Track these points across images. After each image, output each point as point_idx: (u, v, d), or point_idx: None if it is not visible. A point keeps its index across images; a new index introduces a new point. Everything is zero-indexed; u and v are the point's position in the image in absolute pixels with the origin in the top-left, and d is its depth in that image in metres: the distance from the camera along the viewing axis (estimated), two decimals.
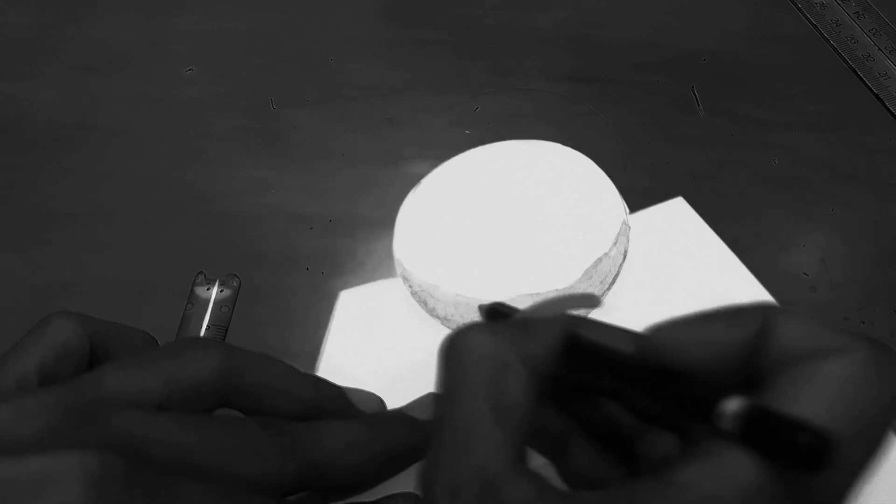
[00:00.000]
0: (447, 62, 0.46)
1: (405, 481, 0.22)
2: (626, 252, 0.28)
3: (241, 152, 0.42)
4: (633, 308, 0.26)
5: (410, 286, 0.28)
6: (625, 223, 0.28)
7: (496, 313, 0.21)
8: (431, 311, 0.27)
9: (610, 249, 0.27)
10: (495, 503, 0.15)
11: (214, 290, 0.36)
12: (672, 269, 0.27)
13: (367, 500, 0.20)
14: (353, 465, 0.19)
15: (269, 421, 0.18)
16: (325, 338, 0.28)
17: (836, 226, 0.37)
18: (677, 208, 0.30)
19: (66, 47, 0.48)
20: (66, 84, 0.46)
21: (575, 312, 0.19)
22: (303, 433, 0.18)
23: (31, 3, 0.51)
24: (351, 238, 0.38)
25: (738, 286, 0.26)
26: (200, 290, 0.36)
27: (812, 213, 0.38)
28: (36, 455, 0.13)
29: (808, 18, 0.46)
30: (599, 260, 0.26)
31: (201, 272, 0.37)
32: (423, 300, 0.27)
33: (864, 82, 0.43)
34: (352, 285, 0.31)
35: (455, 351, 0.17)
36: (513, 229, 0.28)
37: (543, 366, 0.17)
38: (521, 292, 0.26)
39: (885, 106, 0.42)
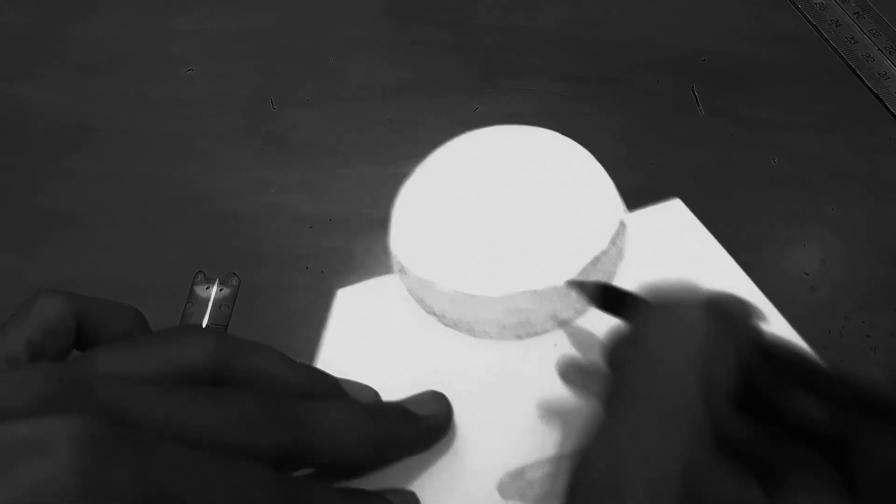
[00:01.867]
0: (447, 62, 0.46)
1: (402, 477, 0.22)
2: (622, 251, 0.28)
3: (241, 152, 0.42)
4: None
5: (407, 283, 0.28)
6: (622, 222, 0.28)
7: (609, 297, 0.21)
8: (428, 309, 0.27)
9: (608, 247, 0.27)
10: (702, 501, 0.14)
11: (214, 290, 0.36)
12: (668, 269, 0.27)
13: (366, 488, 0.20)
14: (344, 445, 0.19)
15: (262, 393, 0.18)
16: (323, 335, 0.28)
17: (836, 226, 0.37)
18: (674, 209, 0.29)
19: (66, 47, 0.48)
20: (66, 84, 0.46)
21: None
22: (296, 406, 0.18)
23: (31, 3, 0.51)
24: (351, 238, 0.38)
25: (733, 287, 0.26)
26: (200, 290, 0.36)
27: (812, 213, 0.38)
28: (24, 421, 0.14)
29: (808, 18, 0.46)
30: (597, 258, 0.26)
31: (201, 271, 0.37)
32: (420, 297, 0.27)
33: (864, 82, 0.43)
34: (350, 283, 0.31)
35: (670, 325, 0.16)
36: (509, 224, 0.27)
37: (746, 359, 0.16)
38: (519, 289, 0.25)
39: (885, 106, 0.42)
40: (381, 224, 0.36)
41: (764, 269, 0.35)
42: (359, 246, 0.37)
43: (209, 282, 0.36)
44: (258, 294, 0.36)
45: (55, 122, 0.44)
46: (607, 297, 0.21)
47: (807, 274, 0.36)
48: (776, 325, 0.25)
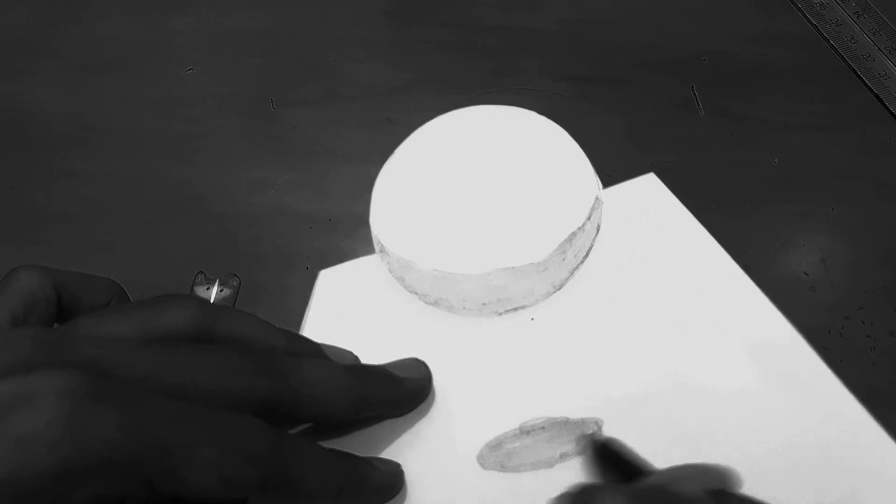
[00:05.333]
0: (447, 62, 0.46)
1: (385, 450, 0.22)
2: (598, 226, 0.28)
3: (241, 152, 0.42)
4: (604, 282, 0.27)
5: (388, 262, 0.28)
6: (598, 198, 0.28)
7: (606, 454, 0.21)
8: (409, 287, 0.27)
9: (584, 223, 0.27)
10: None
11: (214, 290, 0.36)
12: (643, 243, 0.27)
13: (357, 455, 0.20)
14: (327, 398, 0.19)
15: (245, 346, 0.18)
16: (305, 317, 0.28)
17: (836, 226, 0.37)
18: (648, 183, 0.30)
19: (66, 47, 0.48)
20: (66, 84, 0.46)
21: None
22: (279, 358, 0.18)
23: (31, 3, 0.51)
24: (351, 238, 0.38)
25: (709, 259, 0.27)
26: (200, 290, 0.36)
27: (812, 213, 0.38)
28: (9, 378, 0.14)
29: (808, 19, 0.46)
30: (574, 234, 0.26)
31: (201, 272, 0.37)
32: (401, 276, 0.27)
33: (864, 82, 0.43)
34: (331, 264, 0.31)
35: None
36: (488, 203, 0.28)
37: None
38: (497, 266, 0.26)
39: (885, 106, 0.42)
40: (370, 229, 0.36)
41: (764, 269, 0.35)
42: (360, 247, 0.37)
43: (209, 282, 0.36)
44: (258, 294, 0.36)
45: (55, 122, 0.44)
46: (604, 455, 0.21)
47: (807, 274, 0.36)
48: (776, 324, 0.25)
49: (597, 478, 0.21)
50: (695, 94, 0.43)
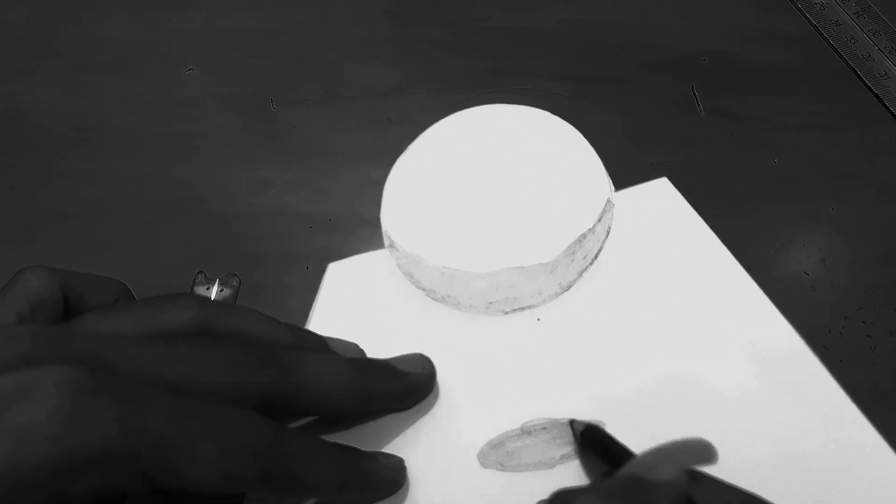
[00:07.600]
0: (447, 62, 0.46)
1: (387, 446, 0.22)
2: (609, 229, 0.28)
3: (241, 152, 0.42)
4: (612, 285, 0.27)
5: (397, 258, 0.28)
6: (609, 200, 0.28)
7: (591, 439, 0.21)
8: (417, 283, 0.27)
9: (594, 226, 0.27)
10: None
11: (214, 290, 0.36)
12: (653, 248, 0.27)
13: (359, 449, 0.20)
14: (329, 391, 0.19)
15: (247, 340, 0.18)
16: (312, 309, 0.28)
17: (836, 226, 0.37)
18: (661, 187, 0.30)
19: (66, 47, 0.48)
20: (66, 84, 0.46)
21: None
22: (281, 352, 0.19)
23: (31, 2, 0.51)
24: (351, 238, 0.38)
25: (719, 268, 0.27)
26: (200, 290, 0.36)
27: (812, 213, 0.38)
28: (10, 373, 0.14)
29: (808, 19, 0.46)
30: (584, 236, 0.26)
31: (201, 272, 0.37)
32: (409, 272, 0.27)
33: (864, 82, 0.43)
34: (340, 258, 0.31)
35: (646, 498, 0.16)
36: (498, 201, 0.28)
37: None
38: (506, 265, 0.26)
39: (885, 106, 0.42)
40: (380, 224, 0.36)
41: (764, 269, 0.35)
42: (360, 247, 0.37)
43: (209, 282, 0.36)
44: (258, 294, 0.36)
45: (55, 122, 0.44)
46: (590, 439, 0.21)
47: (807, 274, 0.36)
48: (785, 333, 0.25)
49: (583, 466, 0.21)
50: (695, 94, 0.43)
